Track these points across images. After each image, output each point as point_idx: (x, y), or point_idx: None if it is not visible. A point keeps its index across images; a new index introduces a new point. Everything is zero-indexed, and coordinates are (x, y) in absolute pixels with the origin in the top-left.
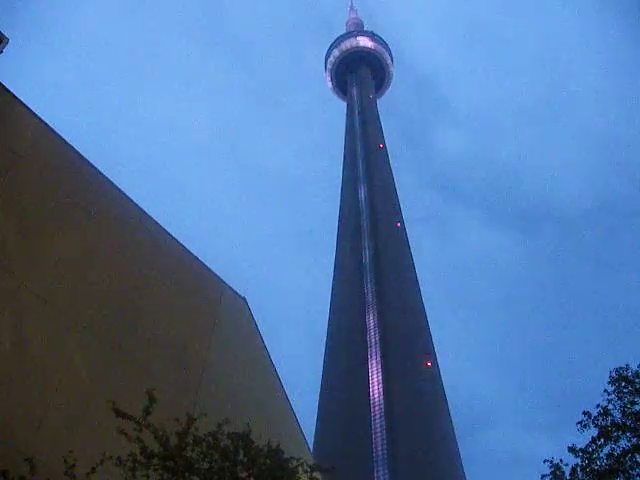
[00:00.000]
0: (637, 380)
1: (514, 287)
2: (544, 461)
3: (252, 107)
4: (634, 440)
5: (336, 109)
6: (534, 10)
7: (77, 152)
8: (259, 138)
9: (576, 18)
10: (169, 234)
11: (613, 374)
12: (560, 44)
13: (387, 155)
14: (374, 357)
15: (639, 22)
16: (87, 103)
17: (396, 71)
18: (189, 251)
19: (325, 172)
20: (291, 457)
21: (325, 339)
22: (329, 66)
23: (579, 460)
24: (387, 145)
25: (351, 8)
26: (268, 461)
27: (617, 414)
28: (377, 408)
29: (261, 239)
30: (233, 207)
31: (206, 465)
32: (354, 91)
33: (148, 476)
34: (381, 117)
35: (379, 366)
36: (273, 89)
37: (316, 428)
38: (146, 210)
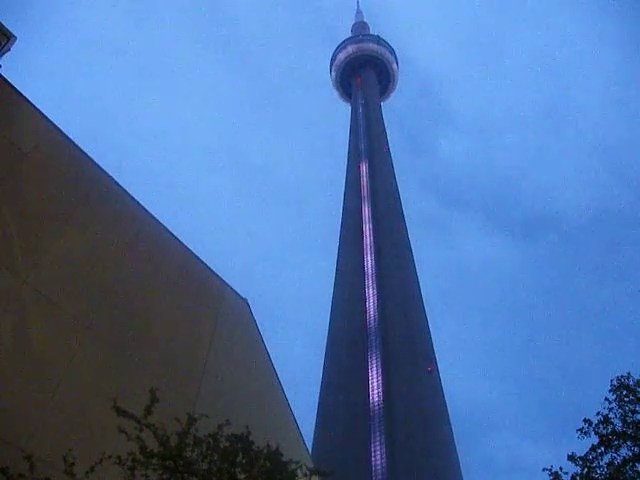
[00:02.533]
0: (638, 389)
1: (515, 294)
2: (543, 469)
3: (256, 109)
4: (635, 449)
5: (340, 112)
6: (537, 18)
7: (82, 151)
8: (263, 140)
9: (579, 26)
10: (172, 234)
11: (614, 382)
12: (563, 52)
13: (390, 158)
14: (374, 361)
15: None
16: (91, 103)
17: (399, 76)
18: (191, 252)
19: (328, 175)
20: (290, 460)
21: (325, 342)
22: (334, 69)
23: (579, 469)
24: (389, 149)
25: (357, 12)
26: (267, 463)
27: (618, 422)
28: (377, 412)
29: (263, 241)
30: (236, 209)
31: (205, 466)
32: (359, 94)
33: (147, 476)
34: (384, 121)
35: (379, 370)
36: (278, 92)
37: (315, 431)
38: (149, 211)
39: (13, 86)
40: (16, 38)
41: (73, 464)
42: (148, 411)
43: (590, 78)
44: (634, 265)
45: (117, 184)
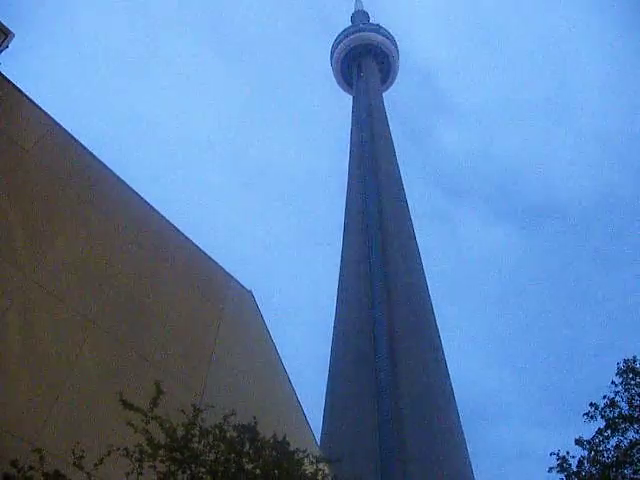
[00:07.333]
0: None
1: (518, 282)
2: (551, 454)
3: (257, 103)
4: None
5: (342, 104)
6: (537, 7)
7: (84, 147)
8: (264, 133)
9: (579, 14)
10: (176, 229)
11: (621, 365)
12: (564, 41)
13: (393, 148)
14: (381, 351)
15: None
16: (92, 101)
17: (400, 66)
18: (196, 245)
19: (331, 167)
20: (297, 449)
21: (331, 332)
22: (335, 60)
23: (586, 452)
24: (392, 139)
25: (357, 0)
26: (274, 452)
27: (624, 406)
28: (385, 402)
29: (267, 233)
30: (239, 203)
31: (212, 456)
32: (360, 84)
33: (155, 467)
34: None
35: (386, 360)
36: (278, 85)
37: (323, 421)
38: (153, 206)
39: (13, 83)
40: (14, 35)
41: (82, 457)
42: (154, 403)
43: (591, 66)
44: (637, 252)
45: (119, 179)
